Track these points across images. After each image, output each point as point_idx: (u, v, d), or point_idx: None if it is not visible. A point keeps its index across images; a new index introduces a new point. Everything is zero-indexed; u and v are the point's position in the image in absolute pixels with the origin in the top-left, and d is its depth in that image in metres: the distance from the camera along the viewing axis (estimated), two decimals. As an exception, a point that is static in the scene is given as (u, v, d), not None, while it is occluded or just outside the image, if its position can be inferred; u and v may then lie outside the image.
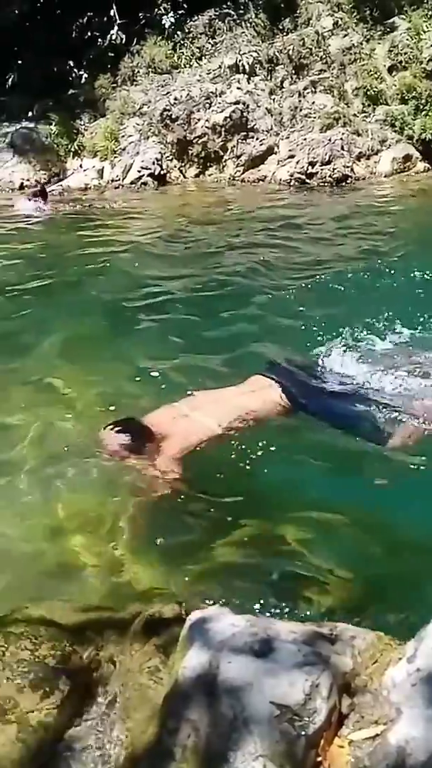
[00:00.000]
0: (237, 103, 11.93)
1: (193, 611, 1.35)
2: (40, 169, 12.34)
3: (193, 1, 12.90)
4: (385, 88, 12.01)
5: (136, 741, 1.26)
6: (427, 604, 2.14)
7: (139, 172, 11.69)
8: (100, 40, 13.23)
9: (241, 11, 13.08)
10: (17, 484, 2.99)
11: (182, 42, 13.05)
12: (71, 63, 13.24)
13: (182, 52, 13.03)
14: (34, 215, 9.61)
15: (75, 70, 13.28)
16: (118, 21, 13.01)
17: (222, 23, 13.06)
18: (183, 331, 4.70)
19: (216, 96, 12.07)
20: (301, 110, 11.99)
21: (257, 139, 11.84)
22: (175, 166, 12.02)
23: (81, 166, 12.38)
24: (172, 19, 12.91)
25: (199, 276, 6.19)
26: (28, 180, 11.99)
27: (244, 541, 2.61)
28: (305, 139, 11.50)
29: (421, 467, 2.93)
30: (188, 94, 12.11)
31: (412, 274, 5.36)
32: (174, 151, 12.02)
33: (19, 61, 13.12)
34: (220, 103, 11.98)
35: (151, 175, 11.64)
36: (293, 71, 12.46)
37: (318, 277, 5.76)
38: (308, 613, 2.16)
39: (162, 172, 11.79)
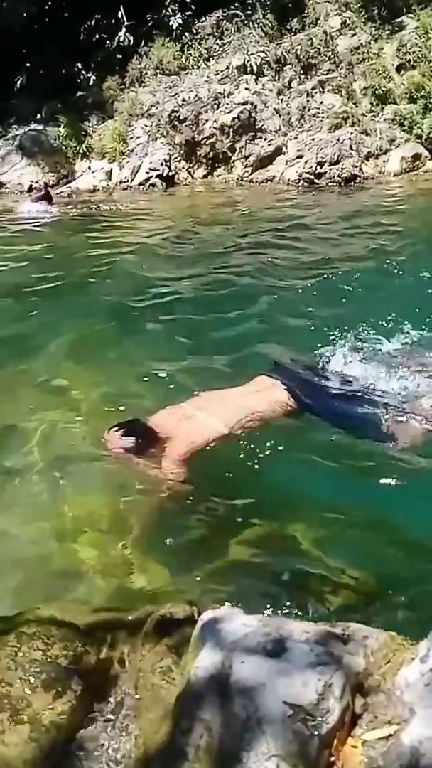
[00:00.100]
0: (245, 103, 11.92)
1: (205, 611, 1.35)
2: (48, 171, 12.39)
3: (201, 2, 12.88)
4: (393, 88, 11.95)
5: (149, 741, 1.26)
6: (439, 604, 2.13)
7: (147, 173, 11.72)
8: (108, 41, 13.24)
9: (249, 12, 13.06)
10: (26, 486, 3.01)
11: (190, 43, 13.06)
12: (79, 65, 13.26)
13: (190, 53, 13.04)
14: (40, 217, 9.62)
15: (83, 72, 13.30)
16: (126, 23, 13.03)
17: (230, 24, 13.06)
18: (190, 332, 4.71)
19: (224, 97, 12.07)
20: (309, 110, 11.97)
21: (265, 139, 11.83)
22: (184, 167, 12.02)
23: (89, 167, 12.40)
24: (180, 21, 12.92)
25: (206, 276, 6.20)
26: (36, 182, 12.02)
27: (254, 541, 2.61)
28: (313, 139, 11.47)
29: (430, 468, 2.93)
30: (196, 95, 12.12)
31: (420, 274, 5.33)
32: (182, 152, 12.03)
33: (28, 64, 13.15)
34: (228, 103, 11.98)
35: (159, 176, 11.66)
36: (301, 71, 12.44)
37: (325, 277, 5.74)
38: (320, 612, 2.16)
39: (170, 174, 11.80)
